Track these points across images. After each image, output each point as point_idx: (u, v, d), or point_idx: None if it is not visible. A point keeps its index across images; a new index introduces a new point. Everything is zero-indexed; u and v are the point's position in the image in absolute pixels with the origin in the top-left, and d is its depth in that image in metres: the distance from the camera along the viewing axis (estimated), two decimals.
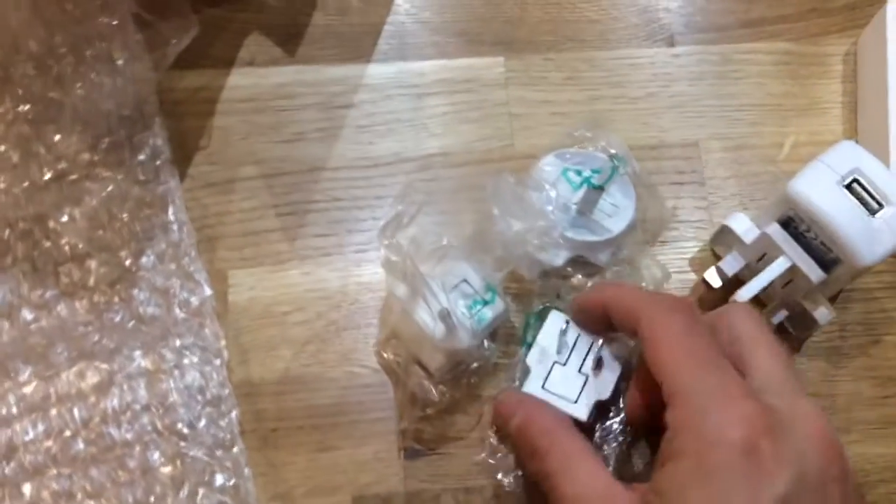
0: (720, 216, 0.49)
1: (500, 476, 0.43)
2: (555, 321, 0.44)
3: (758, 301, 0.47)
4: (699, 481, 0.32)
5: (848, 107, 0.52)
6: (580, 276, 0.47)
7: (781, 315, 0.46)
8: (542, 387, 0.42)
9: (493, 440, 0.43)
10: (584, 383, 0.42)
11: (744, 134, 0.52)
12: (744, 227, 0.46)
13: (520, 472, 0.43)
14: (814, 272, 0.43)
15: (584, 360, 0.43)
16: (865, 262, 0.41)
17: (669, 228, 0.49)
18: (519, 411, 0.40)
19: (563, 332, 0.43)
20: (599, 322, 0.41)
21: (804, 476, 0.31)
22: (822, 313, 0.45)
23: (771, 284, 0.45)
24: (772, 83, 0.53)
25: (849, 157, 0.42)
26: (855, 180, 0.41)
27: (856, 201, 0.41)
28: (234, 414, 0.44)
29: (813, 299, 0.45)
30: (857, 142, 0.51)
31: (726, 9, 0.54)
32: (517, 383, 0.44)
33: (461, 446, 0.45)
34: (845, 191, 0.41)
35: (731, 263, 0.47)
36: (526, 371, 0.43)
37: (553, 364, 0.42)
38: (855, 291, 0.49)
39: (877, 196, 0.41)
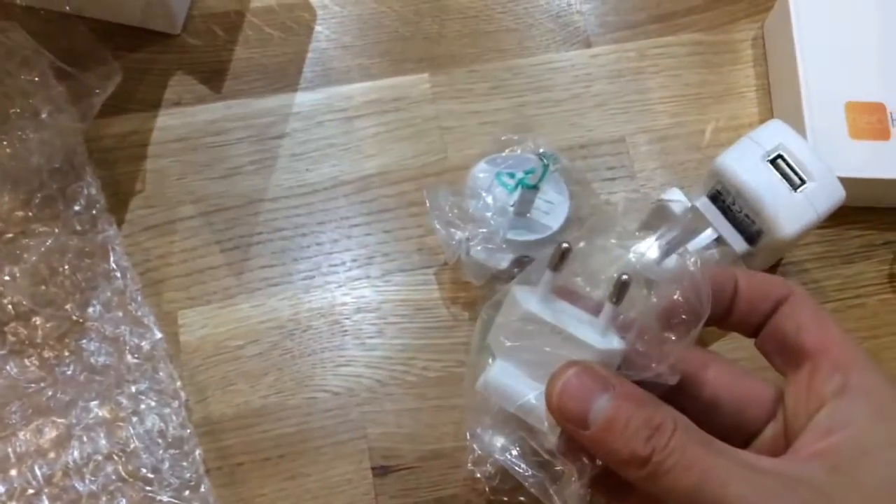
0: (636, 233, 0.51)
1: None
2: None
3: None
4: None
5: (762, 89, 0.55)
6: None
7: None
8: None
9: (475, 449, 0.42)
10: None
11: (667, 125, 0.53)
12: (677, 201, 0.47)
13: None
14: (738, 244, 0.45)
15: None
16: (786, 233, 0.43)
17: None
18: (602, 397, 0.29)
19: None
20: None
21: None
22: None
23: None
24: (687, 74, 0.55)
25: (775, 134, 0.44)
26: (779, 156, 0.43)
27: (779, 176, 0.43)
28: (197, 453, 0.44)
29: None
30: None
31: (637, 6, 0.56)
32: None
33: (428, 458, 0.45)
34: (770, 166, 0.43)
35: (664, 240, 0.48)
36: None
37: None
38: (788, 265, 0.50)
39: (800, 172, 0.43)
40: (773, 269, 0.50)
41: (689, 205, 0.46)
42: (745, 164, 0.43)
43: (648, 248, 0.48)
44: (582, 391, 0.30)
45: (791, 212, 0.43)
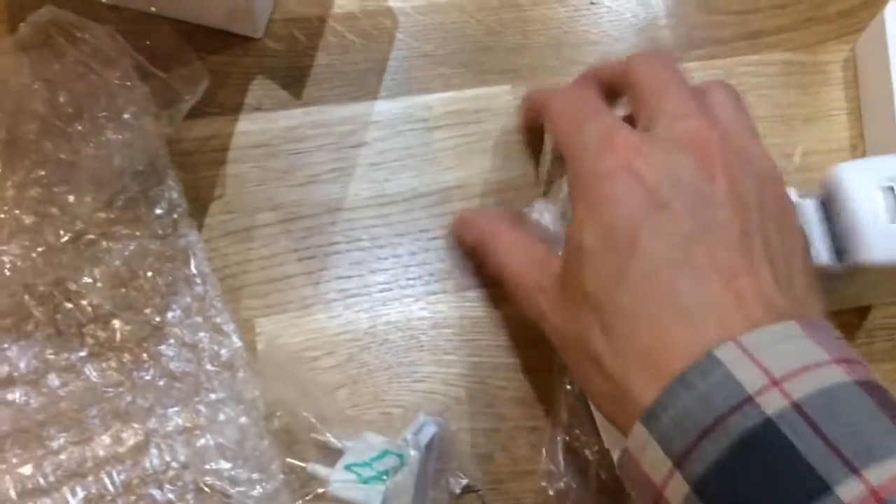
0: None
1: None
2: None
3: None
4: (590, 219, 0.34)
5: (853, 113, 0.53)
6: None
7: None
8: None
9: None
10: None
11: None
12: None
13: None
14: (824, 254, 0.43)
15: None
16: (870, 258, 0.41)
17: None
18: (474, 228, 0.46)
19: None
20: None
21: (680, 179, 0.34)
22: None
23: None
24: (776, 94, 0.53)
25: None
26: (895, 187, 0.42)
27: (887, 204, 0.42)
28: (275, 465, 0.44)
29: None
30: (864, 149, 0.52)
31: (725, 22, 0.55)
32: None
33: (503, 480, 0.45)
34: (882, 192, 0.42)
35: None
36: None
37: None
38: (877, 330, 0.50)
39: None
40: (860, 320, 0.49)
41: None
42: (859, 180, 0.42)
43: None
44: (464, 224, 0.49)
45: (883, 240, 0.41)
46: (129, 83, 0.48)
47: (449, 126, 0.52)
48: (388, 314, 0.48)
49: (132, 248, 0.46)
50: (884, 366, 0.48)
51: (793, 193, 0.46)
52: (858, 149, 0.52)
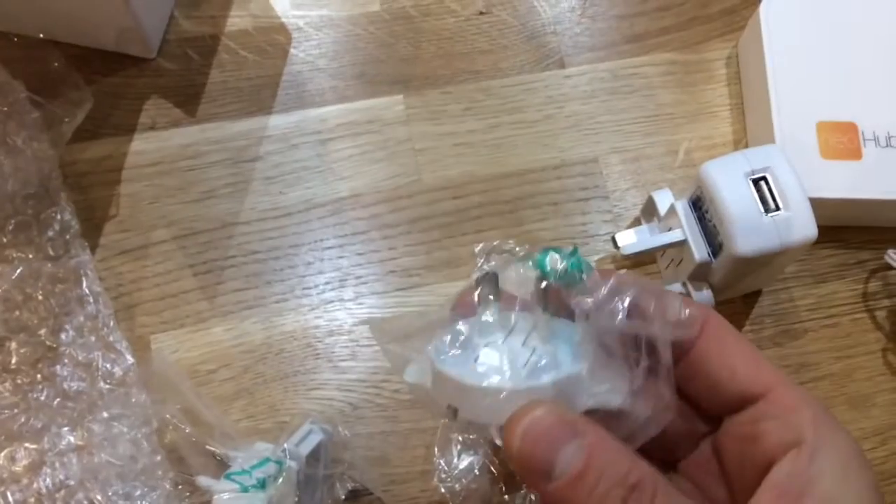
0: (625, 228, 0.51)
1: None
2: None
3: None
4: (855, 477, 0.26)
5: (736, 109, 0.55)
6: None
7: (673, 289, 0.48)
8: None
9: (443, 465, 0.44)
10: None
11: (639, 145, 0.53)
12: (663, 200, 0.48)
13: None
14: (700, 251, 0.45)
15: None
16: (740, 251, 0.42)
17: (579, 244, 0.51)
18: (570, 445, 0.25)
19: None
20: None
21: None
22: (703, 296, 0.47)
23: (670, 259, 0.49)
24: (661, 93, 0.55)
25: (768, 157, 0.44)
26: (763, 178, 0.43)
27: (756, 196, 0.43)
28: (166, 479, 0.44)
29: (699, 281, 0.47)
30: (747, 142, 0.53)
31: (610, 27, 0.56)
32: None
33: (398, 482, 0.46)
34: (750, 183, 0.43)
35: (640, 232, 0.49)
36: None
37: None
38: None
39: (777, 198, 0.43)
40: (748, 308, 0.51)
41: (672, 203, 0.46)
42: (727, 174, 0.43)
43: (627, 236, 0.49)
44: (548, 437, 0.25)
45: (753, 232, 0.42)
46: (19, 110, 0.49)
47: (342, 137, 0.53)
48: (285, 324, 0.49)
49: (24, 270, 0.47)
50: (770, 352, 0.49)
51: (668, 194, 0.48)
52: (742, 143, 0.54)
